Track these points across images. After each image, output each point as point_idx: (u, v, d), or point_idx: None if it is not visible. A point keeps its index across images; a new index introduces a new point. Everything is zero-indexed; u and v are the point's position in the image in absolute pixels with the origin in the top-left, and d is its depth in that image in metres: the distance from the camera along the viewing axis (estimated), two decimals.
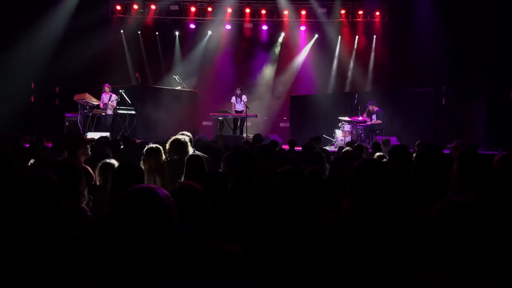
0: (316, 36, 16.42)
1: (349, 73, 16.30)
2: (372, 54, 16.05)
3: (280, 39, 16.75)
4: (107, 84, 12.27)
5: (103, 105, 12.02)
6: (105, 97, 12.12)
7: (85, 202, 2.94)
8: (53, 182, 1.99)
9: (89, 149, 4.49)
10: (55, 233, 1.94)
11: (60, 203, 2.02)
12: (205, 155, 4.53)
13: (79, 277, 1.85)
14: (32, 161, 5.60)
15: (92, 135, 10.07)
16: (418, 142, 7.28)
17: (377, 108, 12.13)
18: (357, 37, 16.24)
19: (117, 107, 12.10)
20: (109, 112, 12.03)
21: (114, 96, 12.09)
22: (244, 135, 12.81)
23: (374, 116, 12.14)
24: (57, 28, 13.27)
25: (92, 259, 1.95)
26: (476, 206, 1.51)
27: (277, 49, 16.81)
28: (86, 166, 4.20)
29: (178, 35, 16.47)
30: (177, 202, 1.93)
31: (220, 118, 12.48)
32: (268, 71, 16.70)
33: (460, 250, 1.47)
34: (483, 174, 2.32)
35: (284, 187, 2.81)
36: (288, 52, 16.85)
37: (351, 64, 16.31)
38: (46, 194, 1.94)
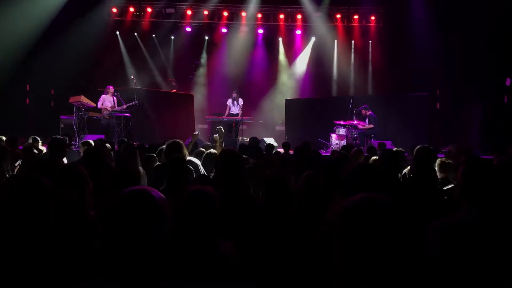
0: (314, 39, 16.49)
1: (345, 77, 16.35)
2: (368, 58, 16.12)
3: (276, 43, 16.80)
4: (111, 86, 12.23)
5: (111, 108, 11.95)
6: (106, 98, 12.03)
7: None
8: (44, 186, 2.00)
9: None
10: (47, 234, 1.95)
11: (54, 205, 2.03)
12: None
13: (70, 277, 1.86)
14: (19, 162, 5.54)
15: (88, 137, 10.03)
16: (416, 146, 7.29)
17: (370, 112, 12.14)
18: (352, 41, 16.31)
19: (113, 110, 12.05)
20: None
21: (115, 99, 12.07)
22: (240, 138, 12.83)
23: (366, 120, 12.15)
24: (53, 30, 13.23)
25: (84, 260, 1.95)
26: (381, 205, 1.29)
27: (273, 53, 16.85)
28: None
29: (174, 38, 16.49)
30: (191, 204, 1.95)
31: (220, 127, 12.46)
32: (263, 74, 16.71)
33: (366, 255, 1.24)
34: (487, 180, 2.34)
35: (270, 189, 2.86)
36: (284, 55, 16.91)
37: (347, 68, 16.38)
38: (38, 198, 1.95)
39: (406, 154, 6.25)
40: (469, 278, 2.03)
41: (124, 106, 12.06)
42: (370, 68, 16.06)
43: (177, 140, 4.91)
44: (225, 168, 3.02)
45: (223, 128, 13.27)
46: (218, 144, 6.62)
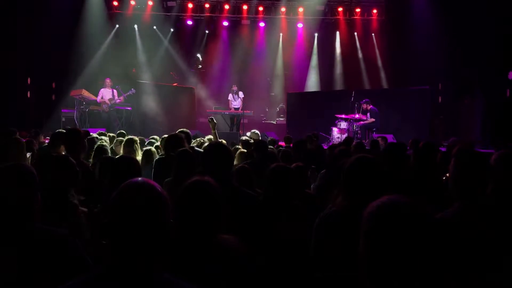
0: (317, 34, 16.45)
1: (346, 71, 16.31)
2: (370, 52, 16.07)
3: (278, 36, 16.75)
4: (108, 79, 12.21)
5: (109, 101, 11.93)
6: (105, 91, 12.02)
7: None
8: (33, 176, 1.99)
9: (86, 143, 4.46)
10: (32, 227, 1.94)
11: (38, 197, 2.01)
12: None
13: (59, 274, 1.84)
14: (28, 154, 5.62)
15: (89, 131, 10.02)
16: (417, 140, 7.27)
17: (371, 107, 12.10)
18: (355, 34, 16.26)
19: (114, 103, 12.04)
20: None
21: (115, 91, 12.08)
22: (241, 132, 12.82)
23: (368, 115, 12.12)
24: (54, 24, 13.18)
25: (74, 256, 1.94)
26: (410, 208, 1.31)
27: (274, 46, 16.80)
28: (84, 161, 4.18)
29: (175, 31, 16.44)
30: (192, 197, 1.94)
31: (211, 117, 12.46)
32: (265, 68, 16.68)
33: (395, 258, 1.26)
34: (480, 173, 2.28)
35: (274, 182, 2.85)
36: (285, 49, 16.87)
37: (348, 62, 16.33)
38: (26, 187, 1.94)
39: (407, 148, 6.23)
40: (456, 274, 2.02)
41: (123, 98, 12.06)
42: (371, 61, 16.01)
43: (177, 133, 4.90)
44: (217, 162, 2.97)
45: (226, 122, 13.36)
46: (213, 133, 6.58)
